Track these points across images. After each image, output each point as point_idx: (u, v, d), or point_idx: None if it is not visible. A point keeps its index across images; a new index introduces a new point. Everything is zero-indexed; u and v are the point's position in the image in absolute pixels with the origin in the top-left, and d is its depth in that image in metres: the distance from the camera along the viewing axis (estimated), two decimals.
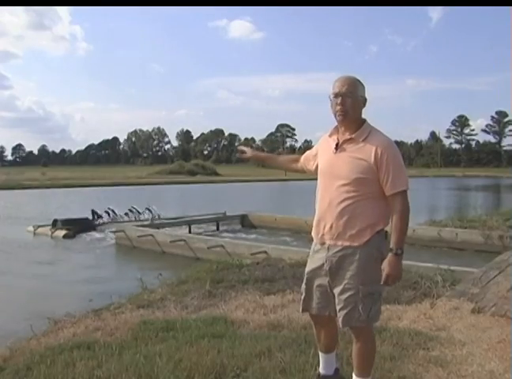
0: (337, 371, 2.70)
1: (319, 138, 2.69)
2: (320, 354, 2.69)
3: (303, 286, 2.56)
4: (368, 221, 2.36)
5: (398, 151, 2.40)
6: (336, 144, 2.44)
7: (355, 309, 2.35)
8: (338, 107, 2.39)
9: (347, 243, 2.37)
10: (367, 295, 2.35)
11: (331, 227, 2.40)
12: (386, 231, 2.42)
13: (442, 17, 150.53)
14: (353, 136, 2.40)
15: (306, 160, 2.77)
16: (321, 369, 2.69)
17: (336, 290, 2.40)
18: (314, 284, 2.49)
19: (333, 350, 2.67)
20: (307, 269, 2.55)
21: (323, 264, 2.43)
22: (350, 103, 2.37)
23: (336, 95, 2.39)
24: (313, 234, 2.54)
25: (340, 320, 2.40)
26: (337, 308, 2.40)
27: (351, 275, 2.36)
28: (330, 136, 2.52)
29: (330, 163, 2.45)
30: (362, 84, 2.45)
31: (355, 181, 2.34)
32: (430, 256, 9.22)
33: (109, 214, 14.70)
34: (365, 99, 2.45)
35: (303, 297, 2.56)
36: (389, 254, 2.31)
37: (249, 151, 2.96)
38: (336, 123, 2.48)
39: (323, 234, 2.45)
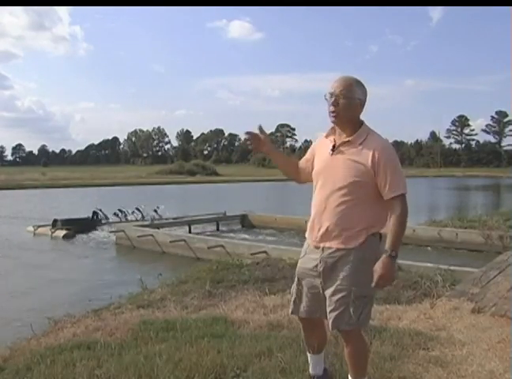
0: (326, 371, 2.71)
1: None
2: (309, 355, 2.68)
3: (294, 287, 2.53)
4: (364, 224, 2.33)
5: (396, 154, 2.37)
6: (333, 146, 2.41)
7: (345, 312, 2.31)
8: (331, 108, 2.36)
9: (342, 245, 2.34)
10: (359, 297, 2.31)
11: (327, 229, 2.37)
12: (380, 234, 2.38)
13: (442, 17, 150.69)
14: (350, 138, 2.36)
15: (302, 170, 2.61)
16: (311, 370, 2.69)
17: (328, 292, 2.36)
18: (306, 286, 2.46)
19: (322, 350, 2.67)
20: (299, 270, 2.51)
21: (317, 266, 2.39)
22: (343, 104, 2.33)
23: (331, 96, 2.36)
24: (307, 235, 2.51)
25: (330, 322, 2.36)
26: (328, 310, 2.36)
27: (344, 276, 2.32)
28: (327, 137, 2.49)
29: (326, 165, 2.41)
30: (361, 86, 2.38)
31: (351, 184, 2.31)
32: (430, 256, 9.18)
33: (118, 215, 14.70)
34: (362, 102, 2.37)
35: (293, 299, 2.53)
36: (383, 256, 2.26)
37: (264, 140, 2.56)
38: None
39: (318, 236, 2.41)
